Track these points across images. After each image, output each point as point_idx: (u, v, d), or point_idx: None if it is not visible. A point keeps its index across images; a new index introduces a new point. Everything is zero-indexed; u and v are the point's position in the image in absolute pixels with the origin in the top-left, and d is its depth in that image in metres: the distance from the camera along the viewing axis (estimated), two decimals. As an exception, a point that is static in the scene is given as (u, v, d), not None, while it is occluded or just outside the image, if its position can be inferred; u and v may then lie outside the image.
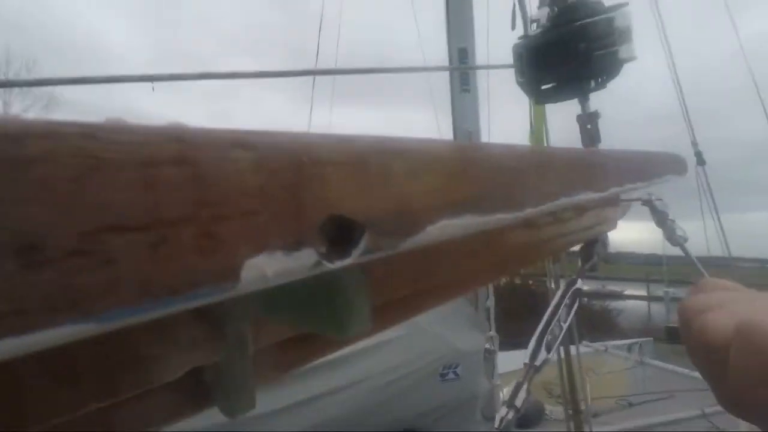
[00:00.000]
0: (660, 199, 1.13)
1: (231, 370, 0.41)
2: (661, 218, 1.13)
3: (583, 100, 1.37)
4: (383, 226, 0.23)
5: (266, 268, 0.18)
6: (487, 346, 2.69)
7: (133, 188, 0.14)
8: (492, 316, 2.90)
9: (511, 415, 0.88)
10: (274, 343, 0.47)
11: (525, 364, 0.99)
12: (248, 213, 0.17)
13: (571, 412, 1.91)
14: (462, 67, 2.38)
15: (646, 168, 0.73)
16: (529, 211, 0.38)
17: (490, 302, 2.92)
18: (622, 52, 1.24)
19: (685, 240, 1.14)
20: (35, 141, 0.13)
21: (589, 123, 1.41)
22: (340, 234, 0.22)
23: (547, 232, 0.85)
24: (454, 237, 0.29)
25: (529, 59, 1.27)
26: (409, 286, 0.54)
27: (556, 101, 1.38)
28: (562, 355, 2.13)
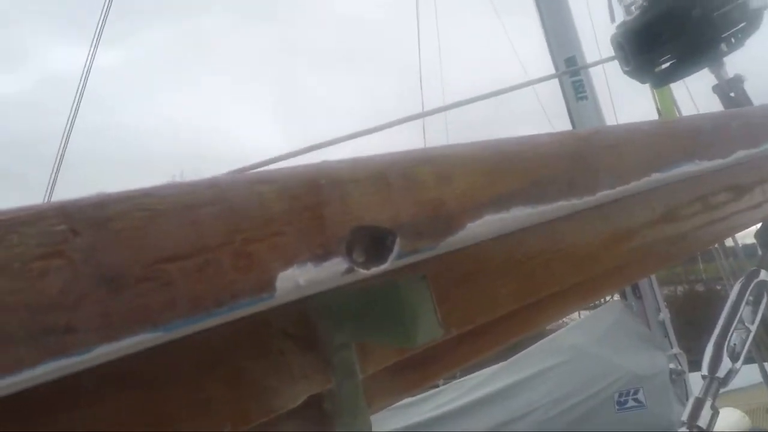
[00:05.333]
0: None
1: (343, 396, 0.44)
2: None
3: (716, 68, 1.18)
4: (416, 229, 0.25)
5: (298, 278, 0.21)
6: (672, 366, 2.30)
7: (181, 227, 0.19)
8: (670, 331, 2.49)
9: (693, 439, 0.74)
10: (384, 369, 0.50)
11: (703, 376, 0.83)
12: (276, 234, 0.21)
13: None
14: (566, 71, 2.25)
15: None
16: (606, 193, 0.35)
17: (664, 315, 2.52)
18: (753, 1, 1.05)
19: None
20: (112, 205, 0.19)
21: (732, 90, 1.20)
22: (376, 244, 0.24)
23: (694, 221, 0.74)
24: (505, 231, 0.29)
25: (632, 44, 1.15)
26: (512, 301, 0.52)
27: (679, 78, 1.21)
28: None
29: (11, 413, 0.22)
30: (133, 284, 0.18)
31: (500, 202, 0.28)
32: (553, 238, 0.54)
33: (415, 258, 0.25)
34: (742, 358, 0.88)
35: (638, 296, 2.60)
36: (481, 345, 0.55)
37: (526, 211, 0.29)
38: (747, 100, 1.11)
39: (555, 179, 0.32)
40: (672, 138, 0.40)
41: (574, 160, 0.33)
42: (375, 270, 0.24)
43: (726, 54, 1.06)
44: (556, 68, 2.58)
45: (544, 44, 2.73)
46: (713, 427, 0.81)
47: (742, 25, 1.05)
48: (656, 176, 0.37)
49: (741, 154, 0.44)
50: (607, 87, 2.92)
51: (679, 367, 2.34)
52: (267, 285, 0.20)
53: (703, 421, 0.79)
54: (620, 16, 1.67)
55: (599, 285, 0.68)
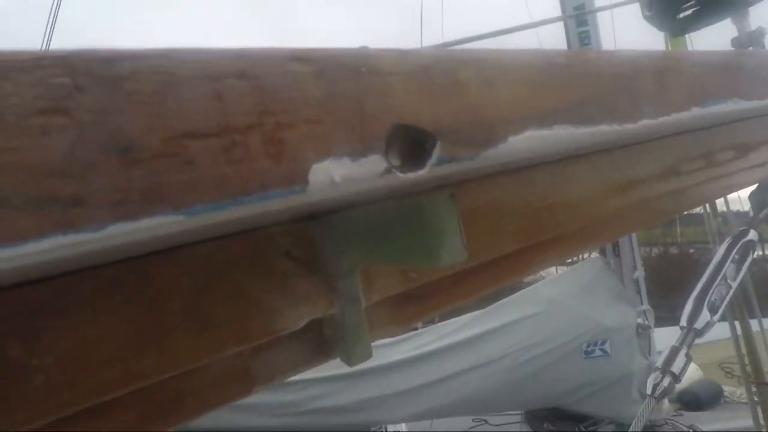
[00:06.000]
0: None
1: (346, 322, 0.43)
2: None
3: (740, 19, 1.13)
4: (457, 135, 0.22)
5: (333, 172, 0.19)
6: (640, 321, 2.42)
7: (203, 99, 0.16)
8: (643, 289, 2.59)
9: (666, 383, 0.78)
10: (389, 299, 0.49)
11: (681, 327, 0.87)
12: (311, 121, 0.18)
13: (755, 391, 1.60)
14: (578, 14, 2.16)
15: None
16: (647, 123, 0.33)
17: (639, 273, 2.61)
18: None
19: None
20: (123, 62, 0.16)
21: (750, 45, 1.16)
22: (415, 146, 0.22)
23: (698, 176, 0.73)
24: (546, 150, 0.27)
25: (659, -14, 1.09)
26: (517, 241, 0.51)
27: (700, 27, 1.16)
28: (738, 326, 1.80)
29: (5, 316, 0.20)
30: (150, 158, 0.15)
31: (543, 118, 0.26)
32: (562, 180, 0.52)
33: (453, 168, 0.23)
34: (720, 312, 0.92)
35: (617, 254, 2.67)
36: (481, 282, 0.54)
37: (569, 130, 0.27)
38: (764, 57, 1.08)
39: (599, 100, 0.29)
40: (717, 71, 0.37)
41: (620, 82, 0.31)
42: (412, 175, 0.22)
43: (752, 4, 1.01)
44: (565, 13, 2.47)
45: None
46: (684, 374, 0.86)
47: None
48: (696, 111, 0.34)
49: (777, 97, 0.42)
50: (613, 38, 2.83)
51: (646, 322, 2.46)
52: (300, 177, 0.18)
53: (676, 368, 0.83)
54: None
55: (600, 232, 0.67)
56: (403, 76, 0.21)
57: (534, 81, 0.26)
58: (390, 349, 2.48)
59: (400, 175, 0.21)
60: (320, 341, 0.47)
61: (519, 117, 0.25)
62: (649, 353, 2.40)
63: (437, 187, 0.35)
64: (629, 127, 0.31)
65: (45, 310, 0.23)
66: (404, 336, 2.52)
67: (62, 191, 0.14)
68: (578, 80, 0.28)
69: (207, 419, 0.32)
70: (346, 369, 2.40)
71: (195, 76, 0.16)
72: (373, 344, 0.44)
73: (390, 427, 2.69)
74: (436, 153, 0.22)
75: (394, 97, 0.21)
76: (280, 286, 0.38)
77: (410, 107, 0.21)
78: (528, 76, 0.26)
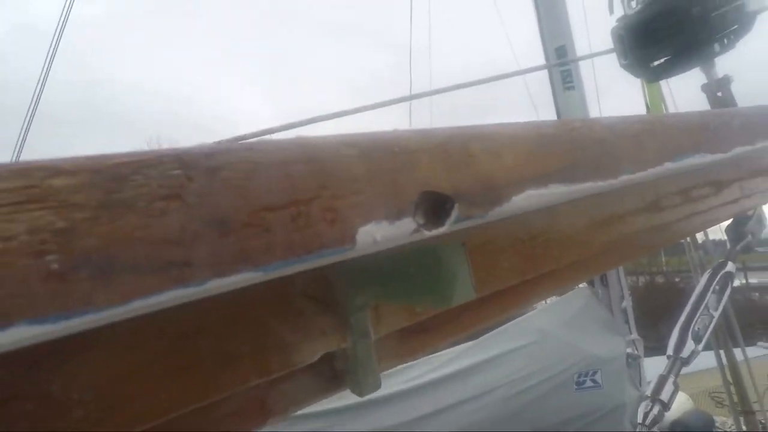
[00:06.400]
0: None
1: (357, 355, 0.47)
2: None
3: (708, 67, 1.24)
4: (471, 198, 0.27)
5: (375, 233, 0.23)
6: (629, 350, 2.45)
7: (277, 180, 0.21)
8: (631, 318, 2.64)
9: (656, 411, 0.81)
10: (395, 332, 0.53)
11: (668, 356, 0.91)
12: (357, 192, 0.23)
13: (742, 419, 1.63)
14: (559, 62, 2.29)
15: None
16: (626, 179, 0.38)
17: (627, 303, 2.66)
18: (750, 3, 1.10)
19: None
20: (219, 155, 0.20)
21: (718, 90, 1.26)
22: (436, 208, 0.27)
23: (677, 212, 0.79)
24: (542, 206, 0.31)
25: (632, 38, 1.19)
26: (514, 276, 0.55)
27: (672, 75, 1.27)
28: (723, 356, 1.84)
29: (49, 353, 0.23)
30: (239, 228, 0.20)
31: (540, 180, 0.31)
32: (553, 220, 0.58)
33: (468, 224, 0.27)
34: (704, 341, 0.97)
35: (605, 284, 2.72)
36: (483, 315, 0.58)
37: (561, 189, 0.32)
38: (732, 100, 1.18)
39: (585, 163, 0.34)
40: (685, 131, 0.43)
41: (602, 147, 0.36)
42: (435, 232, 0.26)
43: (718, 54, 1.11)
44: (547, 56, 2.61)
45: (535, 30, 2.75)
46: (673, 402, 0.89)
47: (735, 27, 1.10)
48: (668, 165, 0.40)
49: (739, 150, 0.48)
50: (593, 78, 2.98)
51: (636, 352, 2.48)
52: (350, 238, 0.22)
53: (665, 396, 0.87)
54: (618, 10, 1.70)
55: (590, 265, 0.72)
56: (426, 152, 0.26)
57: (530, 150, 0.31)
58: (383, 382, 2.47)
59: (426, 232, 0.25)
60: (332, 374, 0.50)
61: (520, 180, 0.30)
62: (640, 383, 2.42)
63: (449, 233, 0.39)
64: (611, 182, 0.36)
65: (85, 347, 0.26)
66: (396, 368, 2.51)
67: (177, 257, 0.18)
68: (566, 147, 0.33)
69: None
70: (339, 403, 2.37)
71: (271, 162, 0.21)
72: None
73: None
74: (455, 213, 0.26)
75: (420, 170, 0.25)
76: (297, 323, 0.42)
77: (433, 177, 0.26)
78: (525, 146, 0.31)
